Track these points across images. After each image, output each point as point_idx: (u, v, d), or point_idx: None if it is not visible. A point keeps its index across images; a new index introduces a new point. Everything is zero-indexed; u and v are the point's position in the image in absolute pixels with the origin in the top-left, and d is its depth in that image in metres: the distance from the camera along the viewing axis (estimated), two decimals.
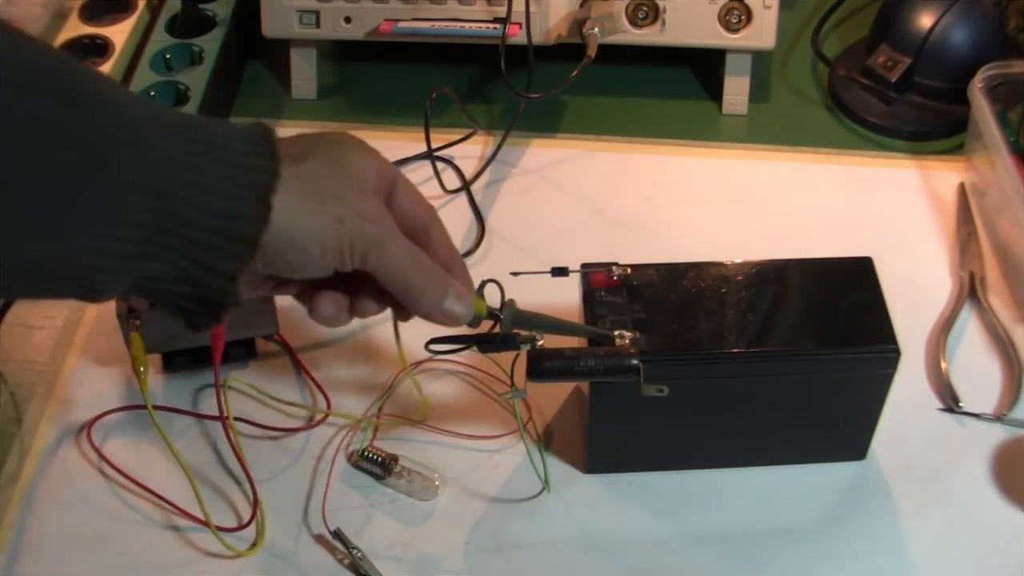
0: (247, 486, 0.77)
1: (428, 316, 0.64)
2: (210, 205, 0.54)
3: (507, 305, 0.70)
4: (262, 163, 0.56)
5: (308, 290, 0.64)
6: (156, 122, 0.54)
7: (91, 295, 0.55)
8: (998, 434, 0.80)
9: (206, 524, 0.75)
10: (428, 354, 0.72)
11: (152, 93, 0.98)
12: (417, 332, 0.72)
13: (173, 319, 0.58)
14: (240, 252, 0.55)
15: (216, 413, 0.78)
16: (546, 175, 0.99)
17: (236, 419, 0.79)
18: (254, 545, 0.74)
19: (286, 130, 1.03)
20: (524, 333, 0.69)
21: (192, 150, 0.54)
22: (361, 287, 0.64)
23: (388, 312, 0.84)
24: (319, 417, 0.81)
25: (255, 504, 0.75)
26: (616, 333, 0.71)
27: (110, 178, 0.52)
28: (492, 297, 0.73)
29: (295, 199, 0.57)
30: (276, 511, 0.76)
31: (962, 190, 0.95)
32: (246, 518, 0.75)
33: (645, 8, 0.98)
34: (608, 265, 0.75)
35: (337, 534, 0.73)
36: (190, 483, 0.75)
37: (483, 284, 0.73)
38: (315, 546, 0.75)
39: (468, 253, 0.92)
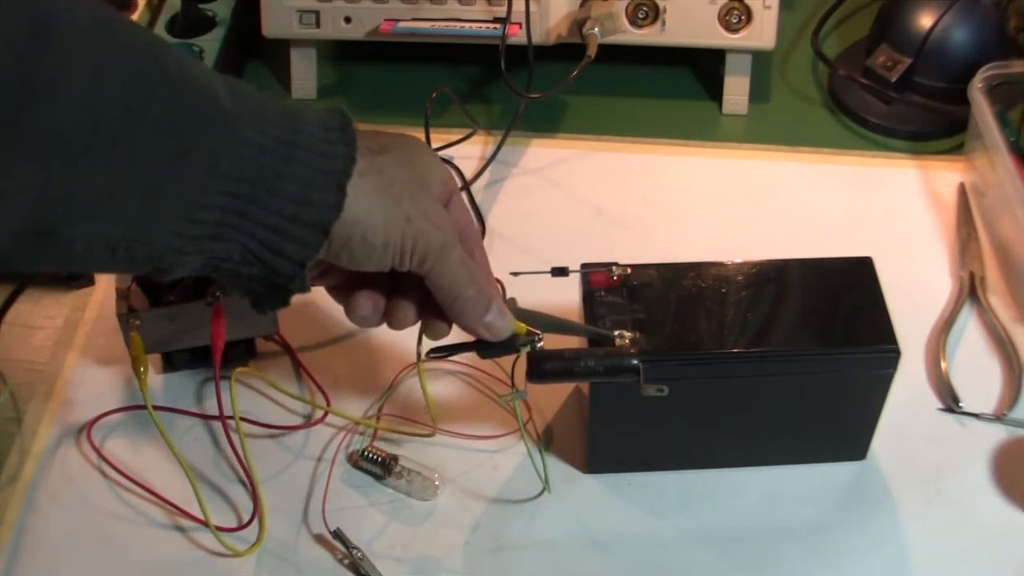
0: (247, 486, 0.77)
1: (470, 328, 0.65)
2: (287, 191, 0.55)
3: (508, 304, 0.70)
4: (340, 150, 0.56)
5: (348, 286, 0.64)
6: (242, 107, 0.55)
7: (160, 273, 0.56)
8: (998, 434, 0.80)
9: (206, 524, 0.75)
10: (429, 356, 0.72)
11: None
12: (415, 334, 0.72)
13: (241, 299, 0.59)
14: (312, 239, 0.56)
15: (216, 413, 0.77)
16: (546, 175, 0.99)
17: (236, 418, 0.79)
18: (254, 544, 0.74)
19: None
20: (523, 335, 0.69)
21: (275, 136, 0.55)
22: (403, 292, 0.64)
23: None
24: (319, 415, 0.81)
25: (255, 502, 0.75)
26: (616, 333, 0.71)
27: (197, 164, 0.53)
28: None
29: (369, 191, 0.57)
30: (276, 511, 0.76)
31: (962, 190, 0.95)
32: (246, 518, 0.75)
33: (645, 8, 0.98)
34: (608, 265, 0.75)
35: (337, 534, 0.73)
36: (191, 484, 0.75)
37: None
38: (315, 546, 0.75)
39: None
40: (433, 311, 0.65)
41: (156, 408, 0.78)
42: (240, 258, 0.56)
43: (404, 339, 0.84)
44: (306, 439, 0.80)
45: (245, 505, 0.76)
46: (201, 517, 0.75)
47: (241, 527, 0.75)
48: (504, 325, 0.66)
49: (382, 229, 0.58)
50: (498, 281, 0.73)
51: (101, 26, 0.51)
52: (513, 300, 0.71)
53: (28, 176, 0.49)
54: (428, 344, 0.71)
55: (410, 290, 0.64)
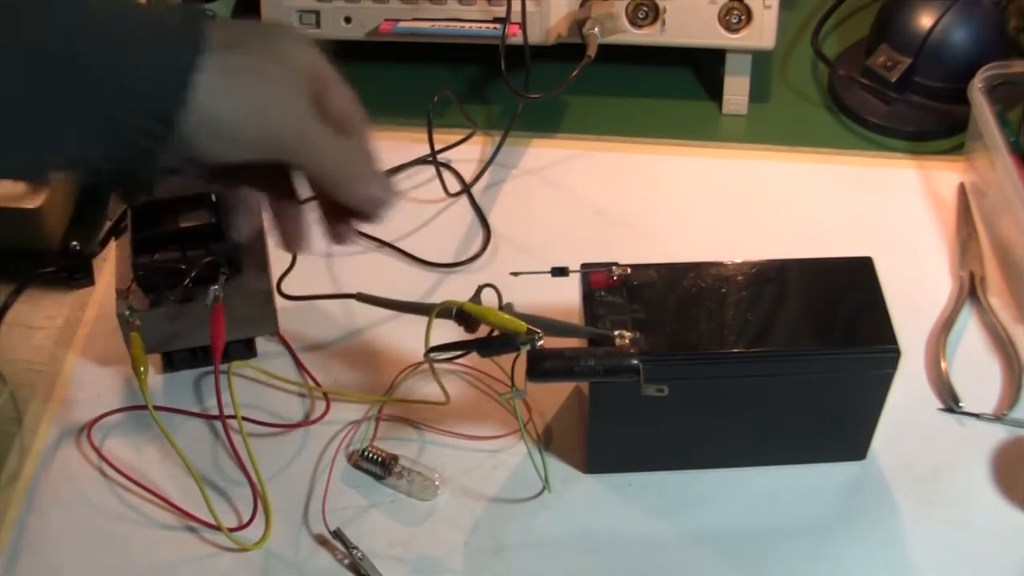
0: (246, 486, 0.77)
1: (353, 204, 0.63)
2: (130, 83, 0.53)
3: (505, 308, 0.70)
4: (188, 43, 0.55)
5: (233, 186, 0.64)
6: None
7: (28, 176, 0.55)
8: (998, 434, 0.80)
9: (210, 525, 0.75)
10: (429, 356, 0.72)
11: None
12: (416, 333, 0.72)
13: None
14: (157, 130, 0.54)
15: (216, 412, 0.77)
16: (546, 175, 0.99)
17: (235, 417, 0.79)
18: (260, 541, 0.74)
19: None
20: (523, 333, 0.69)
21: (121, 24, 0.53)
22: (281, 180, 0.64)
23: (390, 314, 0.85)
24: (319, 413, 0.81)
25: (256, 499, 0.75)
26: (616, 333, 0.71)
27: (39, 55, 0.51)
28: (490, 300, 0.73)
29: (219, 85, 0.55)
30: (276, 511, 0.76)
31: (962, 190, 0.95)
32: (246, 517, 0.75)
33: (645, 8, 0.98)
34: (608, 265, 0.75)
35: (337, 534, 0.73)
36: (196, 483, 0.75)
37: (480, 288, 0.73)
38: (315, 546, 0.75)
39: (474, 257, 0.92)
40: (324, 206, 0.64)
41: (156, 408, 0.78)
42: (97, 153, 0.55)
43: (404, 340, 0.85)
44: (306, 439, 0.80)
45: (245, 505, 0.76)
46: (200, 516, 0.75)
47: (242, 526, 0.75)
48: (384, 196, 0.63)
49: (233, 124, 0.57)
50: (492, 286, 0.73)
51: None
52: (510, 305, 0.71)
53: None
54: (418, 339, 0.70)
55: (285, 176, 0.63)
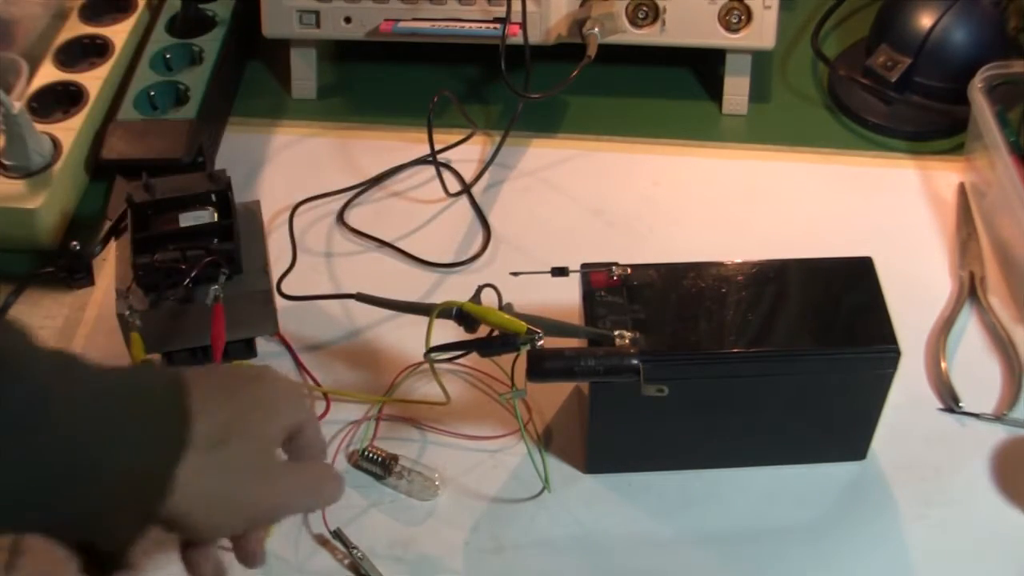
0: None
1: None
2: (106, 478, 0.52)
3: (505, 309, 0.70)
4: (169, 446, 0.54)
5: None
6: (66, 387, 0.52)
7: None
8: (998, 434, 0.80)
9: None
10: (429, 357, 0.72)
11: (152, 93, 0.98)
12: (416, 333, 0.72)
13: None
14: (134, 521, 0.54)
15: None
16: (546, 175, 0.99)
17: None
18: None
19: (286, 130, 1.04)
20: (523, 333, 0.69)
21: (101, 417, 0.52)
22: None
23: (390, 314, 0.85)
24: (319, 414, 0.81)
25: None
26: (616, 333, 0.71)
27: (16, 450, 0.50)
28: (490, 300, 0.73)
29: (198, 489, 0.55)
30: None
31: (962, 190, 0.95)
32: None
33: (645, 8, 0.98)
34: (608, 265, 0.75)
35: (337, 534, 0.73)
36: None
37: (480, 288, 0.73)
38: (315, 546, 0.75)
39: (474, 258, 0.92)
40: None
41: None
42: (66, 534, 0.54)
43: (404, 340, 0.85)
44: None
45: None
46: None
47: None
48: (336, 499, 0.64)
49: (215, 513, 0.57)
50: (492, 286, 0.73)
51: None
52: (510, 305, 0.71)
53: None
54: (418, 339, 0.70)
55: None
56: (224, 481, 0.56)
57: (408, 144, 1.00)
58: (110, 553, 0.55)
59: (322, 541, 0.75)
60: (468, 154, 1.00)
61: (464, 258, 0.92)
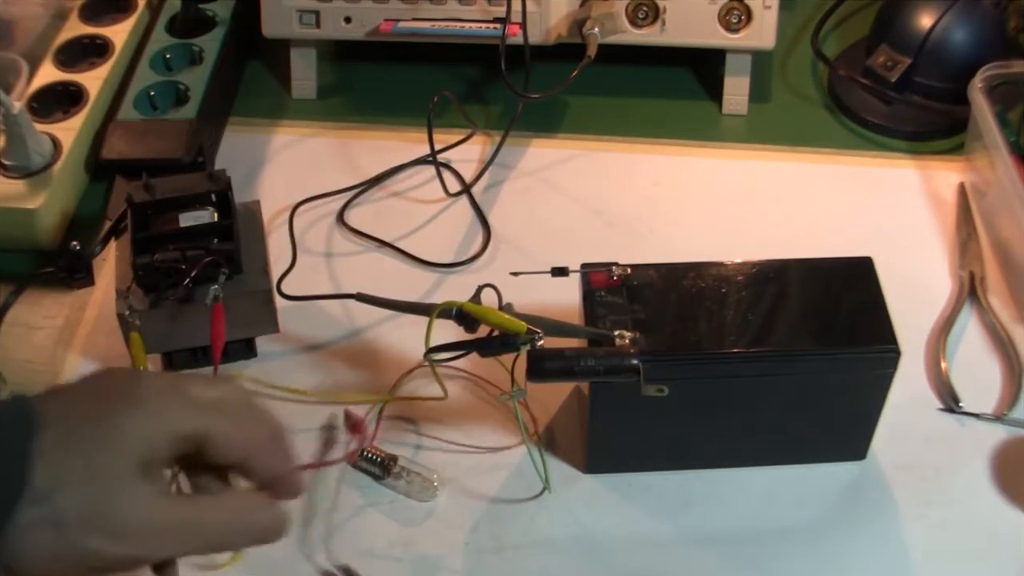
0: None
1: None
2: None
3: (505, 309, 0.70)
4: (7, 480, 0.50)
5: None
6: None
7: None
8: (998, 434, 0.80)
9: None
10: (429, 357, 0.72)
11: (152, 93, 0.98)
12: (416, 333, 0.72)
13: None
14: None
15: None
16: (546, 175, 0.99)
17: None
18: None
19: (286, 130, 1.04)
20: (523, 333, 0.69)
21: None
22: None
23: (390, 314, 0.85)
24: (319, 415, 0.81)
25: None
26: (616, 333, 0.71)
27: None
28: (490, 300, 0.73)
29: (34, 535, 0.50)
30: None
31: (962, 190, 0.95)
32: None
33: (645, 8, 0.98)
34: (608, 265, 0.75)
35: (347, 571, 0.73)
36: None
37: (480, 288, 0.73)
38: (314, 547, 0.75)
39: (474, 258, 0.92)
40: None
41: None
42: None
43: (404, 340, 0.85)
44: (304, 439, 0.80)
45: None
46: None
47: None
48: (271, 533, 0.57)
49: (58, 571, 0.52)
50: (492, 286, 0.73)
51: None
52: (510, 305, 0.71)
53: None
54: (418, 339, 0.70)
55: None
56: (58, 535, 0.51)
57: (408, 144, 1.00)
58: None
59: (321, 542, 0.74)
60: (468, 154, 1.00)
61: (464, 258, 0.92)
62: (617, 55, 1.00)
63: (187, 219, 0.79)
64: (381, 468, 0.77)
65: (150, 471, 0.53)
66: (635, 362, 0.70)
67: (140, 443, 0.53)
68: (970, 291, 0.88)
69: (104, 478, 0.52)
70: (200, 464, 0.56)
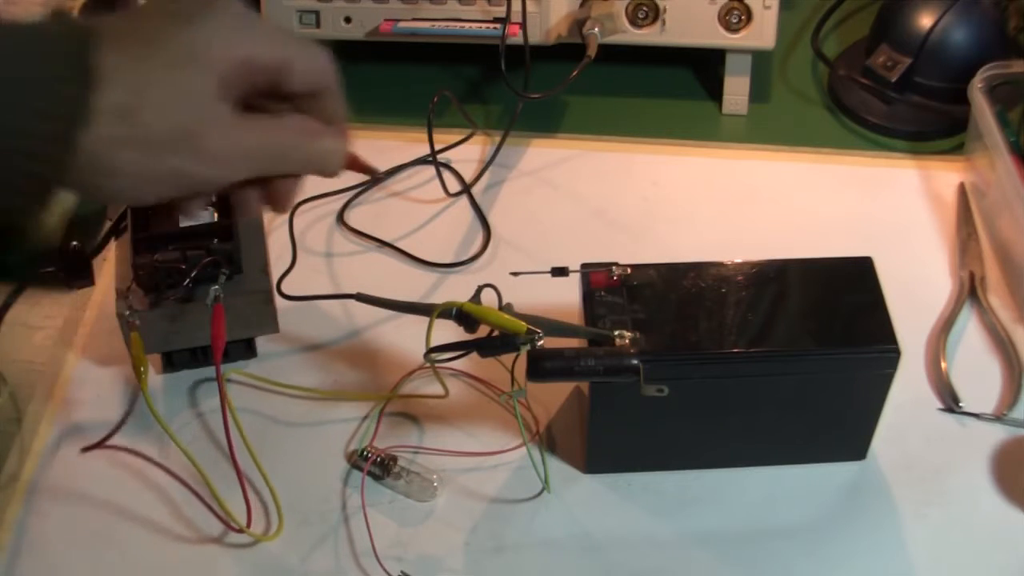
0: (244, 487, 0.77)
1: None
2: (7, 123, 0.48)
3: (505, 309, 0.70)
4: (73, 92, 0.49)
5: None
6: None
7: None
8: (998, 434, 0.80)
9: (222, 520, 0.75)
10: (429, 358, 0.72)
11: None
12: (417, 333, 0.72)
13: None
14: (32, 189, 0.50)
15: (217, 412, 0.77)
16: (546, 175, 0.99)
17: (236, 418, 0.79)
18: (275, 533, 0.75)
19: None
20: (523, 334, 0.69)
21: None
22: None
23: (390, 314, 0.85)
24: (318, 415, 0.81)
25: (246, 497, 0.75)
26: (616, 333, 0.71)
27: None
28: (490, 300, 0.73)
29: (121, 153, 0.50)
30: (275, 510, 0.76)
31: (962, 190, 0.95)
32: (244, 518, 0.75)
33: (645, 8, 0.98)
34: (608, 265, 0.75)
35: None
36: (203, 478, 0.76)
37: (480, 288, 0.73)
38: (314, 547, 0.75)
39: (474, 258, 0.92)
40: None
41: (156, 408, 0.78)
42: None
43: (404, 340, 0.85)
44: (305, 439, 0.80)
45: (242, 504, 0.76)
46: (200, 516, 0.75)
47: (247, 523, 0.75)
48: (335, 163, 0.59)
49: (140, 187, 0.52)
50: (492, 286, 0.73)
51: None
52: (510, 305, 0.71)
53: None
54: (418, 341, 0.70)
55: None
56: (145, 155, 0.50)
57: (408, 144, 1.00)
58: (10, 226, 0.51)
59: (319, 542, 0.74)
60: (468, 154, 1.00)
61: (464, 258, 0.92)
62: (617, 55, 1.00)
63: (187, 219, 0.79)
64: (381, 468, 0.77)
65: (229, 94, 0.53)
66: (635, 362, 0.70)
67: (223, 63, 0.52)
68: (970, 291, 0.88)
69: (189, 97, 0.51)
70: (264, 92, 0.56)
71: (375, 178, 0.59)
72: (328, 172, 0.59)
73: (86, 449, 0.80)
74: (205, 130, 0.52)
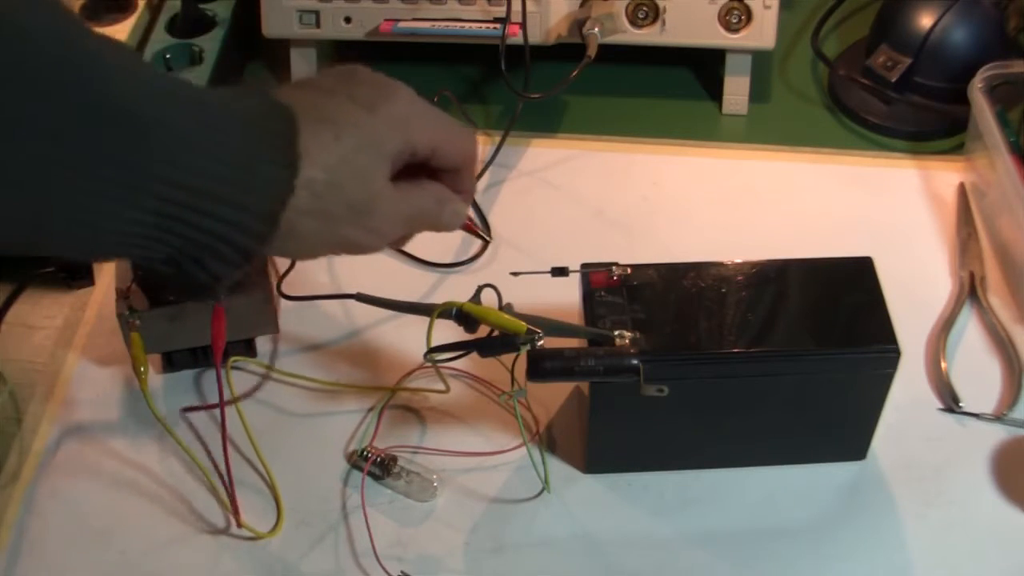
0: (246, 485, 0.77)
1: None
2: (221, 213, 0.54)
3: (505, 309, 0.70)
4: (281, 174, 0.55)
5: None
6: (192, 127, 0.53)
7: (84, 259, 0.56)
8: (998, 434, 0.80)
9: (218, 521, 0.75)
10: (429, 358, 0.72)
11: None
12: (415, 336, 0.72)
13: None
14: (235, 258, 0.55)
15: (217, 413, 0.77)
16: (546, 175, 0.99)
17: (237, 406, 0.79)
18: (273, 529, 0.75)
19: None
20: (523, 334, 0.69)
21: (221, 159, 0.53)
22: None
23: (390, 314, 0.85)
24: (319, 412, 0.81)
25: (229, 488, 0.75)
26: (616, 333, 0.71)
27: (132, 192, 0.51)
28: (490, 300, 0.73)
29: (304, 221, 0.57)
30: (275, 510, 0.76)
31: (962, 190, 0.95)
32: (245, 514, 0.75)
33: (645, 8, 0.98)
34: (608, 265, 0.75)
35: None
36: (204, 477, 0.76)
37: (480, 288, 0.73)
38: (313, 547, 0.75)
39: (474, 258, 0.92)
40: None
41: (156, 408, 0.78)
42: (163, 259, 0.55)
43: (404, 340, 0.85)
44: (304, 439, 0.80)
45: (244, 502, 0.76)
46: (200, 516, 0.75)
47: (252, 528, 0.75)
48: (456, 221, 0.67)
49: (312, 250, 0.61)
50: (492, 286, 0.73)
51: (60, 49, 0.48)
52: (510, 305, 0.71)
53: None
54: (418, 342, 0.70)
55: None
56: (324, 225, 0.58)
57: None
58: (201, 284, 0.56)
59: (318, 542, 0.75)
60: None
61: (464, 258, 0.92)
62: (617, 55, 1.00)
63: None
64: (381, 468, 0.77)
65: (392, 172, 0.61)
66: (635, 362, 0.70)
67: (394, 150, 0.60)
68: (970, 291, 0.88)
69: (368, 179, 0.59)
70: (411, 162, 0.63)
71: (485, 243, 0.70)
72: (448, 231, 0.68)
73: (186, 410, 0.81)
74: (375, 206, 0.60)
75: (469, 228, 0.71)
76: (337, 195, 0.58)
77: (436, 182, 0.65)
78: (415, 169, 0.64)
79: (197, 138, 0.53)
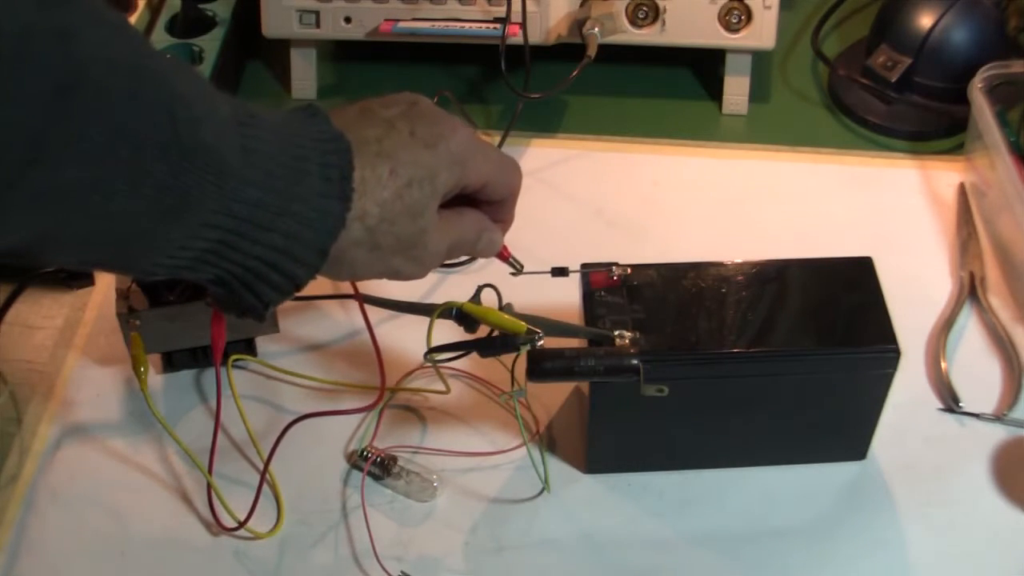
0: (246, 485, 0.77)
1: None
2: (272, 241, 0.55)
3: (505, 309, 0.70)
4: (335, 207, 0.56)
5: None
6: (248, 163, 0.53)
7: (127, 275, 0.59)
8: (998, 434, 0.80)
9: (220, 522, 0.75)
10: (429, 358, 0.72)
11: None
12: (416, 334, 0.72)
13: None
14: (285, 286, 0.57)
15: (216, 414, 0.77)
16: (546, 175, 0.99)
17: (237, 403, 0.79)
18: (274, 528, 0.75)
19: None
20: (523, 334, 0.69)
21: (275, 190, 0.54)
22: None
23: (390, 314, 0.85)
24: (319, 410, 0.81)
25: (258, 495, 0.75)
26: (616, 333, 0.71)
27: (190, 220, 0.52)
28: (490, 300, 0.73)
29: (354, 251, 0.59)
30: (274, 510, 0.76)
31: (962, 190, 0.95)
32: (243, 515, 0.75)
33: (645, 8, 0.98)
34: (608, 265, 0.75)
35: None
36: (207, 479, 0.76)
37: (480, 288, 0.73)
38: (313, 547, 0.75)
39: (474, 257, 0.92)
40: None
41: (156, 408, 0.78)
42: (212, 280, 0.56)
43: (404, 340, 0.85)
44: (304, 439, 0.80)
45: (243, 502, 0.76)
46: (200, 516, 0.75)
47: (247, 519, 0.75)
48: (493, 250, 0.70)
49: (357, 276, 0.63)
50: (492, 286, 0.73)
51: (123, 77, 0.48)
52: (510, 305, 0.71)
53: (16, 222, 0.48)
54: (417, 343, 0.70)
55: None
56: (373, 255, 0.60)
57: None
58: (249, 306, 0.58)
59: (317, 542, 0.74)
60: None
61: (464, 258, 0.92)
62: (617, 55, 1.00)
63: None
64: (380, 468, 0.77)
65: (440, 203, 0.63)
66: (635, 362, 0.70)
67: (448, 186, 0.62)
68: (970, 291, 0.88)
69: (419, 213, 0.61)
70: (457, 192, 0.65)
71: (518, 271, 0.73)
72: (483, 257, 0.71)
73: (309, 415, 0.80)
74: (424, 239, 0.62)
75: (503, 256, 0.72)
76: (388, 228, 0.59)
77: (476, 211, 0.67)
78: (457, 196, 0.65)
79: (253, 167, 0.53)
